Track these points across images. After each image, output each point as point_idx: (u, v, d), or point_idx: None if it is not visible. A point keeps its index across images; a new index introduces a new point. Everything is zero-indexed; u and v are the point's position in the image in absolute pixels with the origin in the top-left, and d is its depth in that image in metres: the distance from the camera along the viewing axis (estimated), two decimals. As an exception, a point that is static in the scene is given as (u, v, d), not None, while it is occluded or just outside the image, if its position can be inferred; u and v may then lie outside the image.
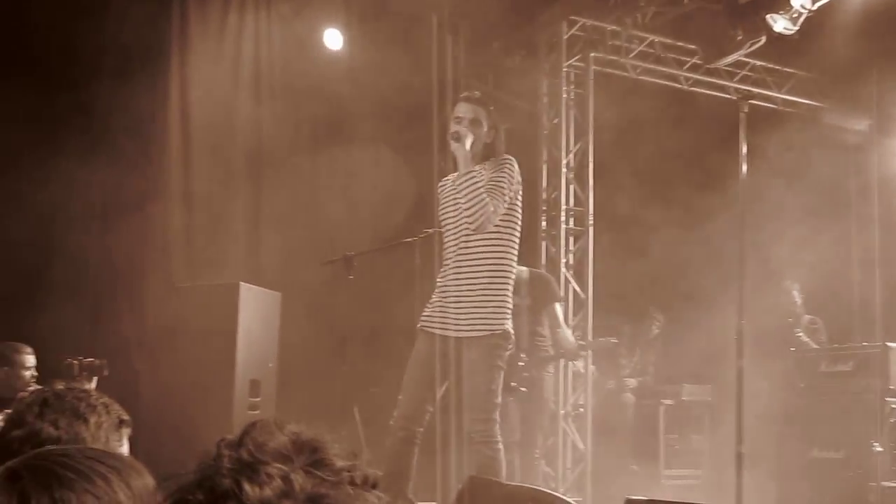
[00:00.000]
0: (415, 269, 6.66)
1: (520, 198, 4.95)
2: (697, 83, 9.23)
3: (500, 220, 4.83)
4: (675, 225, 8.12)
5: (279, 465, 1.11)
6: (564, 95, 8.67)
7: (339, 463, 1.14)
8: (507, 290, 4.86)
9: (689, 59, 9.05)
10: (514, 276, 4.93)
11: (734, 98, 8.60)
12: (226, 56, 8.10)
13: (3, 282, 6.82)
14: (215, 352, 6.78)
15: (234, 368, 6.74)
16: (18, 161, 6.99)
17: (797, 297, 8.49)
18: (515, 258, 4.95)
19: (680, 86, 9.19)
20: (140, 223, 7.90)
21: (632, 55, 8.90)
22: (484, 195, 4.73)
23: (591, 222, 8.49)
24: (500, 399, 4.83)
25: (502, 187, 4.79)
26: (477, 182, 4.75)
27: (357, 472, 1.14)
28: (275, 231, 7.95)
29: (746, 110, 4.76)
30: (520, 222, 4.96)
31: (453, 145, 4.84)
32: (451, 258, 4.96)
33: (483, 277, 4.82)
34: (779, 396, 7.63)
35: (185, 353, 6.84)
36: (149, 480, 1.53)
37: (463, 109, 4.97)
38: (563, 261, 8.48)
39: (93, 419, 2.17)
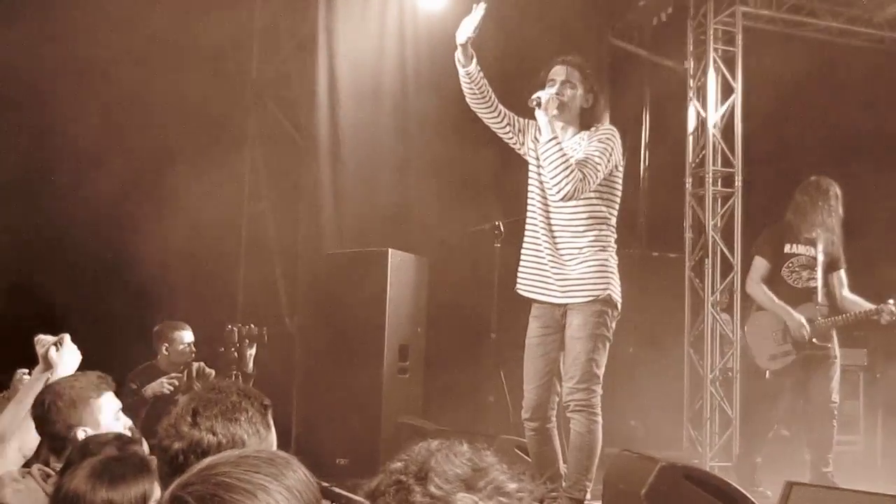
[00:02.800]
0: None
1: (620, 169, 4.82)
2: (854, 36, 8.85)
3: (597, 188, 4.68)
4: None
5: (470, 496, 1.13)
6: (713, 54, 8.45)
7: (511, 485, 1.16)
8: (608, 257, 4.75)
9: (845, 9, 8.69)
10: (613, 245, 4.81)
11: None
12: (371, 20, 8.15)
13: (157, 256, 7.08)
14: (365, 317, 6.96)
15: (383, 333, 6.91)
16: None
17: None
18: (614, 227, 4.82)
19: (835, 39, 8.84)
20: (291, 192, 8.14)
21: (784, 8, 8.60)
22: (569, 166, 4.53)
23: (739, 184, 8.30)
24: (601, 370, 4.70)
25: (597, 160, 4.60)
26: (560, 151, 4.56)
27: (527, 491, 1.16)
28: (423, 198, 8.03)
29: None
30: (618, 192, 4.82)
31: (536, 112, 4.64)
32: (540, 223, 4.80)
33: (583, 246, 4.70)
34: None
35: (337, 319, 7.05)
36: (302, 474, 1.59)
37: (556, 72, 4.79)
38: (711, 223, 8.33)
39: (243, 417, 2.28)
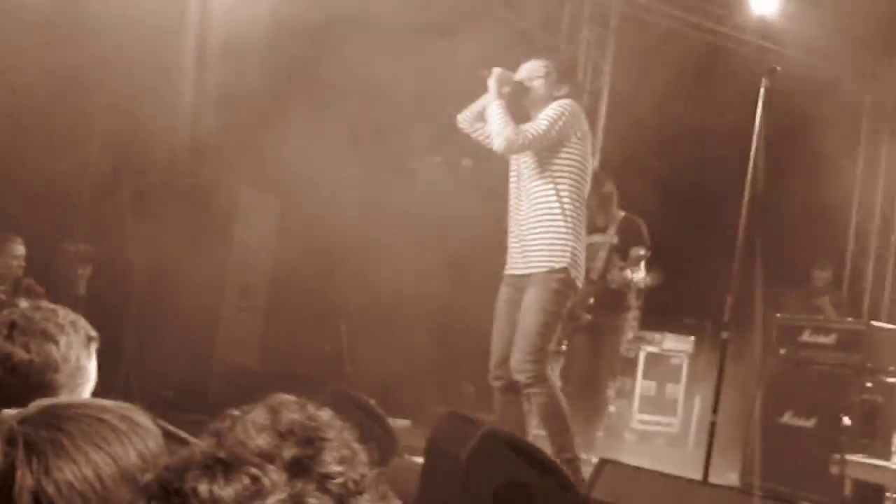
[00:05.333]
0: (416, 189, 6.72)
1: (578, 142, 4.90)
2: (722, 36, 9.13)
3: (557, 160, 4.84)
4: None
5: (255, 465, 1.05)
6: (587, 33, 8.58)
7: (332, 468, 1.09)
8: (566, 230, 4.83)
9: (718, 9, 8.95)
10: (578, 219, 4.89)
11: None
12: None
13: None
14: (209, 252, 6.83)
15: (225, 270, 6.81)
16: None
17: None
18: (578, 200, 4.90)
19: (705, 36, 9.10)
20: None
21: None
22: (505, 121, 4.76)
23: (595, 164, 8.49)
24: (552, 344, 4.83)
25: (541, 122, 4.80)
26: (499, 108, 4.79)
27: (346, 477, 1.09)
28: (281, 137, 7.90)
29: (767, 84, 4.70)
30: (580, 165, 4.91)
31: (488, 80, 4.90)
32: (513, 200, 5.03)
33: (540, 216, 4.84)
34: (753, 357, 7.73)
35: (179, 251, 6.90)
36: (150, 426, 1.53)
37: (533, 64, 5.06)
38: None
39: (63, 340, 2.21)
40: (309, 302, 7.38)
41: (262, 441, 1.06)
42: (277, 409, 1.11)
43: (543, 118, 4.81)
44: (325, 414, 1.15)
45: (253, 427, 1.08)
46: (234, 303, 6.88)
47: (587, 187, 4.98)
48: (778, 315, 7.80)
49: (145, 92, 7.21)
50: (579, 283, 4.89)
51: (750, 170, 4.62)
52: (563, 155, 4.86)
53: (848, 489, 6.74)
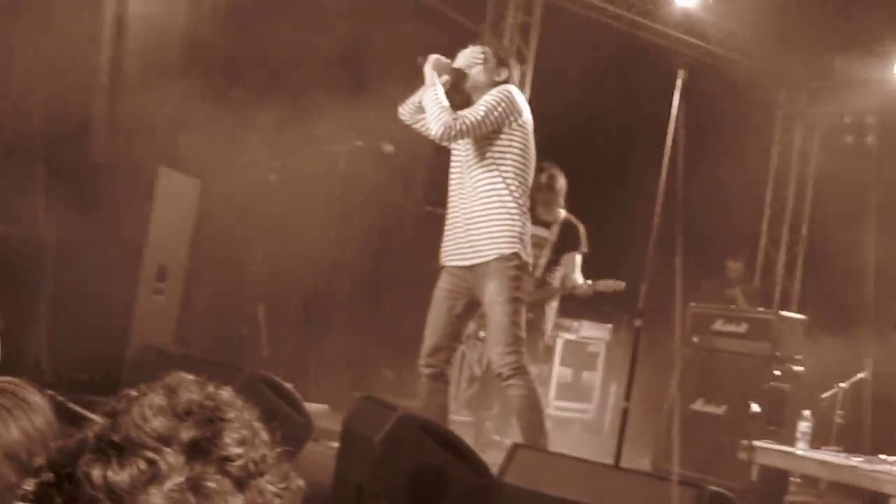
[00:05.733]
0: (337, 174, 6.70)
1: (518, 128, 4.88)
2: (644, 28, 9.25)
3: (499, 147, 4.81)
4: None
5: (151, 448, 1.02)
6: (511, 20, 8.62)
7: (231, 449, 1.05)
8: (511, 217, 4.81)
9: (640, 2, 9.06)
10: (524, 205, 4.88)
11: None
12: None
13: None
14: (126, 232, 6.72)
15: (142, 251, 6.69)
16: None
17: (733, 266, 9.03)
18: (524, 185, 4.89)
19: (627, 27, 9.20)
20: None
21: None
22: (442, 108, 4.73)
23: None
24: (523, 332, 4.80)
25: (479, 110, 4.76)
26: (435, 95, 4.76)
27: (247, 458, 1.06)
28: (203, 117, 7.82)
29: (684, 77, 4.78)
30: (523, 152, 4.89)
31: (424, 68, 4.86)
32: (456, 190, 4.97)
33: (485, 204, 4.80)
34: (668, 345, 7.88)
35: (96, 230, 6.77)
36: (37, 401, 1.51)
37: (471, 50, 5.02)
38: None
39: None
40: (227, 285, 7.31)
41: (158, 423, 1.03)
42: (175, 390, 1.07)
43: (482, 104, 4.78)
44: (225, 393, 1.10)
45: (149, 408, 1.04)
46: (149, 284, 6.76)
47: (531, 174, 4.97)
48: (692, 304, 7.96)
49: (62, 68, 7.06)
50: (530, 265, 4.92)
51: (665, 161, 4.70)
52: (505, 141, 4.84)
53: (755, 474, 6.93)
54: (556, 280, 7.12)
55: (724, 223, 9.45)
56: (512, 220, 4.79)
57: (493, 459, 4.06)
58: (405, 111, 5.09)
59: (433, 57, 4.89)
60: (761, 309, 7.99)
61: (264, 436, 1.11)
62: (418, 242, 8.71)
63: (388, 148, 6.94)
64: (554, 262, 7.04)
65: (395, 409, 3.92)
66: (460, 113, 4.75)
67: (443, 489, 3.90)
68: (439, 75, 4.85)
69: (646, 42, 9.21)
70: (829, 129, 10.43)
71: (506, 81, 4.93)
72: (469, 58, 4.97)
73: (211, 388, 1.10)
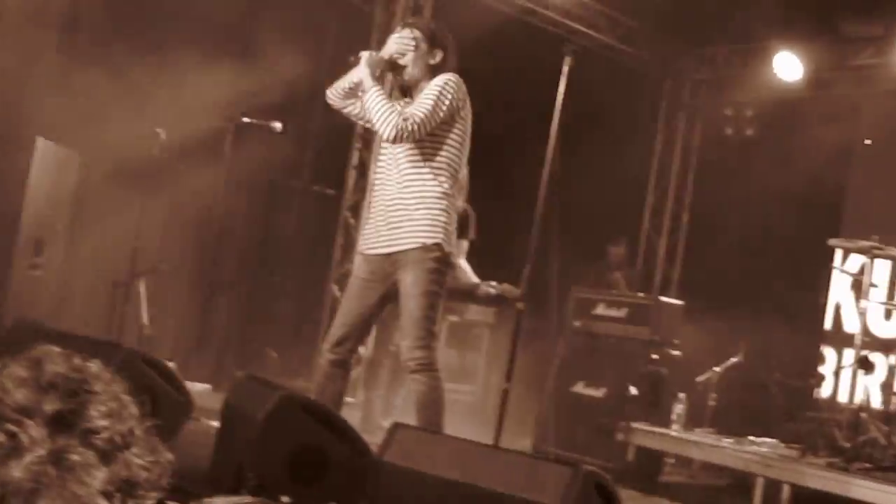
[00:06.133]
0: (224, 154, 6.61)
1: (461, 119, 4.74)
2: (532, 13, 9.33)
3: (438, 137, 4.66)
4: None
5: (12, 421, 0.99)
6: (403, 2, 8.60)
7: (97, 422, 1.03)
8: (439, 207, 4.67)
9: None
10: (450, 199, 4.72)
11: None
12: None
13: None
14: (1, 205, 6.52)
15: (18, 225, 6.51)
16: None
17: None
18: (455, 177, 4.76)
19: (515, 11, 9.28)
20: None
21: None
22: (389, 109, 4.56)
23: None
24: (437, 326, 4.69)
25: (425, 104, 4.60)
26: (380, 97, 4.58)
27: (113, 431, 1.04)
28: (82, 90, 7.62)
29: (570, 63, 4.85)
30: (460, 145, 4.76)
31: (358, 67, 4.65)
32: (384, 179, 4.80)
33: (414, 193, 4.66)
34: (551, 329, 8.02)
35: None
36: None
37: (399, 34, 4.82)
38: (375, 167, 8.58)
39: None
40: (107, 261, 7.16)
41: (20, 395, 1.01)
42: (40, 362, 1.05)
43: (429, 98, 4.61)
44: (93, 366, 1.08)
45: (11, 380, 1.02)
46: (26, 259, 6.59)
47: (463, 166, 4.85)
48: (574, 289, 8.11)
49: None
50: (452, 259, 4.79)
51: (550, 146, 4.76)
52: (444, 133, 4.70)
53: (631, 455, 7.12)
54: None
55: (607, 209, 9.64)
56: (437, 210, 4.65)
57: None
58: (334, 96, 4.88)
59: (365, 55, 4.67)
60: (641, 294, 8.19)
61: (133, 409, 1.10)
62: (305, 222, 8.67)
63: (276, 125, 6.87)
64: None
65: (276, 389, 3.91)
66: (408, 112, 4.56)
67: (323, 469, 3.90)
68: (374, 72, 4.64)
69: (535, 27, 9.30)
70: (710, 121, 10.73)
71: (443, 63, 4.76)
72: (399, 45, 4.75)
73: (77, 361, 1.08)
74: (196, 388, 6.90)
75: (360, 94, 4.75)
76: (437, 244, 4.62)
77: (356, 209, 8.68)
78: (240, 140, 7.27)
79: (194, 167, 7.42)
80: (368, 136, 8.66)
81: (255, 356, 8.31)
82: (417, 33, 4.76)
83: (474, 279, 7.05)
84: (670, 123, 10.88)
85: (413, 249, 4.61)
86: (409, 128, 4.53)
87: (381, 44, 8.38)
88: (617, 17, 9.79)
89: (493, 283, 6.89)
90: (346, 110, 4.91)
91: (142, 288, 6.81)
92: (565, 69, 4.84)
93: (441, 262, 4.64)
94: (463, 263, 7.05)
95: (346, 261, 8.66)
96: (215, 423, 4.74)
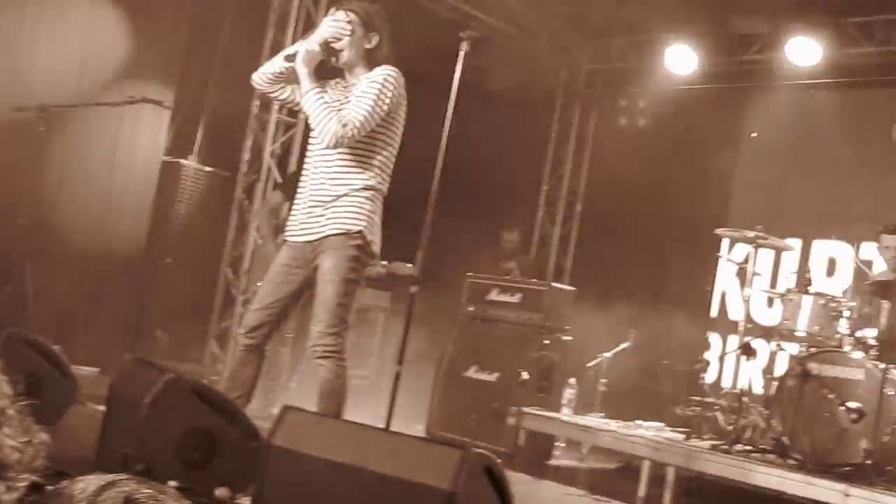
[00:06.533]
0: (112, 134, 6.46)
1: (396, 116, 4.70)
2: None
3: (374, 133, 4.63)
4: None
5: None
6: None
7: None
8: (371, 198, 4.66)
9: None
10: (377, 192, 4.70)
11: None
12: None
13: None
14: None
15: None
16: None
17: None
18: (387, 171, 4.74)
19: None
20: None
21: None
22: (329, 113, 4.52)
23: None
24: (350, 315, 4.66)
25: (364, 103, 4.54)
26: (320, 100, 4.55)
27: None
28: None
29: (467, 49, 4.86)
30: (396, 135, 4.74)
31: (294, 64, 4.59)
32: (310, 168, 4.75)
33: (342, 183, 4.62)
34: (449, 315, 8.07)
35: None
36: None
37: (335, 15, 4.73)
38: (269, 149, 8.51)
39: None
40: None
41: None
42: None
43: (367, 98, 4.55)
44: None
45: None
46: None
47: (393, 159, 4.80)
48: (468, 274, 8.17)
49: None
50: (375, 249, 4.72)
51: (445, 131, 4.78)
52: (381, 128, 4.66)
53: (522, 439, 7.22)
54: None
55: (502, 196, 9.73)
56: (362, 199, 4.63)
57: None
58: (260, 80, 4.80)
59: (301, 51, 4.60)
60: (535, 280, 8.28)
61: (6, 388, 1.07)
62: (197, 203, 8.54)
63: (166, 104, 6.75)
64: None
65: (164, 372, 3.85)
66: (347, 116, 4.50)
67: (212, 453, 3.86)
68: (311, 70, 4.58)
69: (432, 12, 9.31)
70: (605, 111, 10.89)
71: (378, 47, 4.71)
72: (334, 29, 4.67)
73: None
74: (83, 371, 6.75)
75: (290, 79, 4.69)
76: (359, 232, 4.60)
77: (250, 190, 8.59)
78: (130, 118, 7.12)
79: (82, 145, 7.25)
80: (264, 118, 8.57)
81: (145, 339, 8.17)
82: (353, 17, 4.69)
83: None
84: (565, 113, 11.01)
85: (335, 235, 4.59)
86: (349, 133, 4.52)
87: (277, 25, 8.45)
88: (514, 7, 9.86)
89: (384, 262, 6.88)
90: (272, 95, 4.87)
91: (27, 268, 6.62)
92: (462, 54, 4.85)
93: (362, 250, 4.63)
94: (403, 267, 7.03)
95: (239, 243, 8.57)
96: (102, 408, 4.65)
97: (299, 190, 4.80)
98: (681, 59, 9.47)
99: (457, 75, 4.83)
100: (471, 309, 7.98)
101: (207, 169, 8.78)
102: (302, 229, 4.70)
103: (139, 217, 8.26)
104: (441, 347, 7.97)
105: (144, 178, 8.26)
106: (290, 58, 4.63)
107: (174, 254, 8.50)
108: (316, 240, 4.63)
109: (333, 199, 4.61)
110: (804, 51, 8.68)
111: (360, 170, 4.63)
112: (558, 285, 8.08)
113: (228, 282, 8.54)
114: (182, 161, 8.53)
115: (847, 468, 5.86)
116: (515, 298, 7.75)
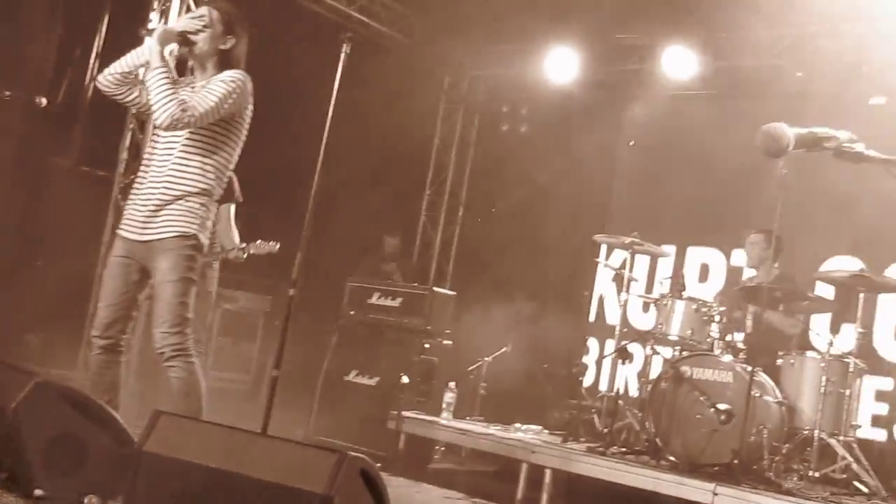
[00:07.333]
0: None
1: (241, 119, 4.70)
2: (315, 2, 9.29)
3: (216, 133, 4.63)
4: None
5: None
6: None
7: None
8: (205, 202, 4.66)
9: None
10: (212, 195, 4.70)
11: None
12: None
13: None
14: None
15: None
16: None
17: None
18: (224, 174, 4.73)
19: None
20: None
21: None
22: (171, 94, 4.48)
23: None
24: (191, 313, 4.63)
25: (209, 98, 4.53)
26: (165, 79, 4.49)
27: None
28: None
29: (347, 51, 4.84)
30: (234, 143, 4.73)
31: (147, 39, 4.53)
32: (150, 163, 4.70)
33: (180, 184, 4.59)
34: (330, 319, 8.04)
35: None
36: None
37: (199, 11, 4.78)
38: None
39: None
40: None
41: None
42: None
43: (214, 93, 4.55)
44: None
45: None
46: None
47: (234, 162, 4.79)
48: (350, 278, 8.15)
49: None
50: (205, 245, 4.73)
51: (325, 135, 4.76)
52: (222, 130, 4.66)
53: (402, 443, 7.23)
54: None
55: (386, 201, 9.72)
56: (197, 203, 4.64)
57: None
58: (107, 82, 4.72)
59: (160, 28, 4.59)
60: (416, 284, 8.31)
61: None
62: (73, 204, 8.30)
63: (41, 101, 6.54)
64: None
65: (31, 376, 3.73)
66: (190, 102, 4.50)
67: (81, 459, 3.76)
68: (163, 49, 4.53)
69: (314, 13, 9.27)
70: (487, 117, 10.99)
71: (233, 50, 4.72)
72: (193, 22, 4.70)
73: None
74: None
75: (139, 76, 4.64)
76: (194, 234, 4.64)
77: (128, 191, 8.36)
78: (2, 116, 6.88)
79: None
80: (143, 116, 8.38)
81: (12, 342, 7.90)
82: (215, 14, 4.73)
83: (237, 242, 6.96)
84: (448, 119, 11.07)
85: (170, 238, 4.61)
86: (186, 119, 4.50)
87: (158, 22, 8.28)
88: (398, 10, 9.89)
89: (242, 245, 6.81)
90: (119, 97, 4.78)
91: None
92: (342, 57, 4.84)
93: (195, 248, 4.66)
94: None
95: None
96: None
97: (137, 183, 4.79)
98: (562, 67, 9.62)
99: (337, 78, 4.81)
100: (352, 313, 7.96)
101: (83, 168, 8.55)
102: (137, 227, 4.69)
103: (9, 215, 7.99)
104: (322, 351, 7.94)
105: (16, 178, 7.99)
106: (147, 32, 4.62)
107: (46, 255, 8.25)
108: (150, 241, 4.64)
109: (171, 201, 4.62)
110: (680, 62, 8.91)
111: (198, 171, 4.65)
112: (439, 290, 8.12)
113: (104, 284, 8.32)
114: (56, 160, 8.29)
115: (716, 468, 6.05)
116: (396, 303, 7.77)
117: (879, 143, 3.90)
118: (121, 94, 4.76)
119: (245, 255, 6.86)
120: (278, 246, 6.94)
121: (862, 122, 4.64)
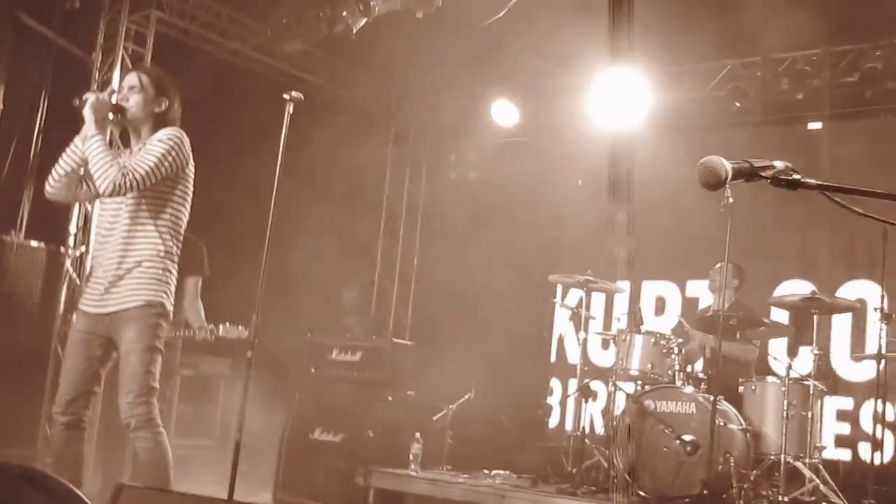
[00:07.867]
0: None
1: (184, 176, 4.71)
2: (255, 61, 9.36)
3: (161, 195, 4.64)
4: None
5: None
6: (122, 51, 8.40)
7: None
8: (166, 266, 4.66)
9: (253, 36, 9.18)
10: (172, 257, 4.69)
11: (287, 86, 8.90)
12: None
13: None
14: None
15: None
16: None
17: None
18: (179, 233, 4.74)
19: (238, 61, 9.28)
20: None
21: (197, 23, 8.86)
22: (109, 160, 4.47)
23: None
24: (157, 383, 4.59)
25: (148, 159, 4.54)
26: (100, 146, 4.50)
27: None
28: None
29: (292, 111, 4.88)
30: (182, 201, 4.74)
31: (84, 110, 4.55)
32: (103, 233, 4.70)
33: (137, 252, 4.60)
34: (291, 377, 7.98)
35: None
36: None
37: (127, 78, 4.81)
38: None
39: None
40: None
41: None
42: None
43: (152, 154, 4.56)
44: None
45: None
46: None
47: (186, 221, 4.81)
48: (308, 335, 8.11)
49: None
50: (171, 312, 4.72)
51: (274, 191, 4.78)
52: (167, 190, 4.67)
53: (372, 497, 7.16)
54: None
55: (341, 254, 9.71)
56: (160, 269, 4.64)
57: None
58: (54, 189, 4.76)
59: (92, 97, 4.60)
60: (374, 337, 8.30)
61: None
62: (24, 279, 8.20)
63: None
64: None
65: (-11, 457, 3.66)
66: (128, 167, 4.50)
67: (45, 539, 3.68)
68: (99, 117, 4.57)
69: (258, 74, 9.33)
70: (435, 166, 11.05)
71: (167, 111, 4.75)
72: (126, 88, 4.75)
73: None
74: None
75: (80, 173, 4.68)
76: (160, 302, 4.64)
77: (79, 264, 8.31)
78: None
79: None
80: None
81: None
82: (145, 78, 4.77)
83: (202, 321, 6.87)
84: (397, 170, 11.12)
85: (136, 307, 4.59)
86: (128, 183, 4.50)
87: (101, 89, 8.26)
88: (340, 66, 9.96)
89: (211, 327, 6.73)
90: (70, 199, 4.91)
91: None
92: (287, 117, 4.88)
93: (161, 316, 4.65)
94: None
95: (69, 317, 8.26)
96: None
97: (93, 258, 4.85)
98: (504, 113, 9.71)
99: (283, 136, 4.84)
100: (312, 370, 7.92)
101: (33, 244, 8.46)
102: (100, 301, 4.67)
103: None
104: (284, 411, 7.87)
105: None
106: (81, 102, 4.61)
107: (-1, 332, 8.13)
108: (115, 312, 4.62)
109: (131, 268, 4.62)
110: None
111: (152, 235, 4.65)
112: (399, 341, 8.11)
113: (59, 359, 8.20)
114: (3, 237, 8.20)
115: (686, 499, 6.06)
116: (357, 357, 7.74)
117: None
118: (70, 194, 4.80)
119: (213, 337, 6.76)
120: (246, 332, 6.82)
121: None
